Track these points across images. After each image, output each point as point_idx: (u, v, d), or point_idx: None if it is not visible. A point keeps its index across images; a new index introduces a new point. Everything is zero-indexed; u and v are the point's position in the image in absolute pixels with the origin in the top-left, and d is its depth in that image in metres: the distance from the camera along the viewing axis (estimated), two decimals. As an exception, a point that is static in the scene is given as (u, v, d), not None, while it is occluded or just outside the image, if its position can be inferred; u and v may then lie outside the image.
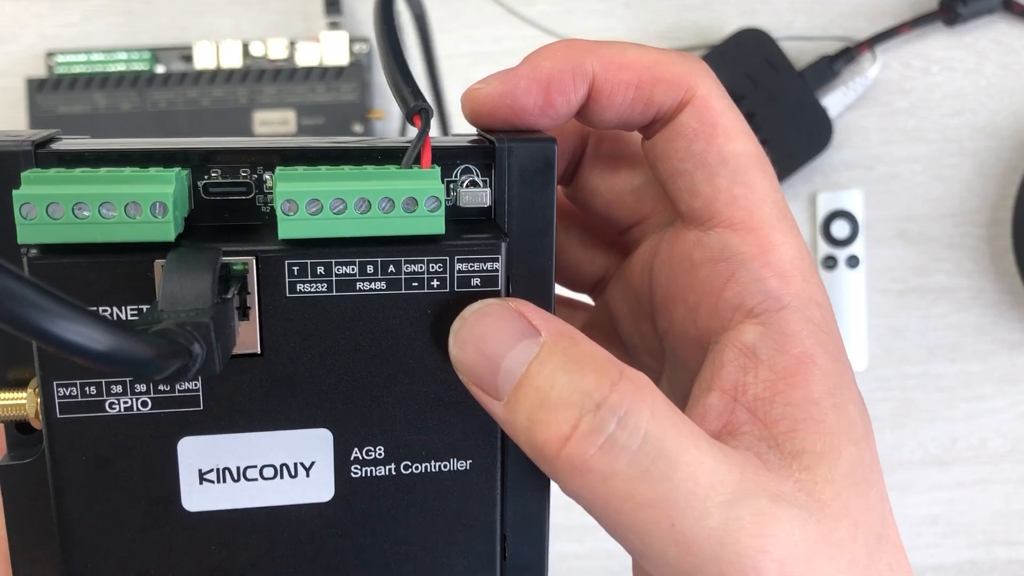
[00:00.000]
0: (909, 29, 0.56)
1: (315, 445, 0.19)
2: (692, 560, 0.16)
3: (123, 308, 0.17)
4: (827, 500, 0.17)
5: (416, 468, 0.20)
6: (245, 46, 0.56)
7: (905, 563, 0.20)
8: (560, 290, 0.23)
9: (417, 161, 0.19)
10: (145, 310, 0.17)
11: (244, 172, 0.19)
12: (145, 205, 0.16)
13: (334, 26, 0.56)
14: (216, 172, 0.18)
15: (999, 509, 0.58)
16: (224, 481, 0.19)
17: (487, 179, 0.20)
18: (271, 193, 0.18)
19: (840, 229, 0.57)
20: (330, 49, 0.55)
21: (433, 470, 0.20)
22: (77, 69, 0.55)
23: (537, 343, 0.18)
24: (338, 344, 0.19)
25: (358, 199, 0.18)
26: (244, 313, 0.18)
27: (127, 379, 0.18)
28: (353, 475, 0.19)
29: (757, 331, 0.18)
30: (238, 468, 0.19)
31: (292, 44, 0.56)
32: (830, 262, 0.57)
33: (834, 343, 0.18)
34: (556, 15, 0.58)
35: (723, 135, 0.19)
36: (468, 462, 0.20)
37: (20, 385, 0.18)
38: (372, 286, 0.18)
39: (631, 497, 0.16)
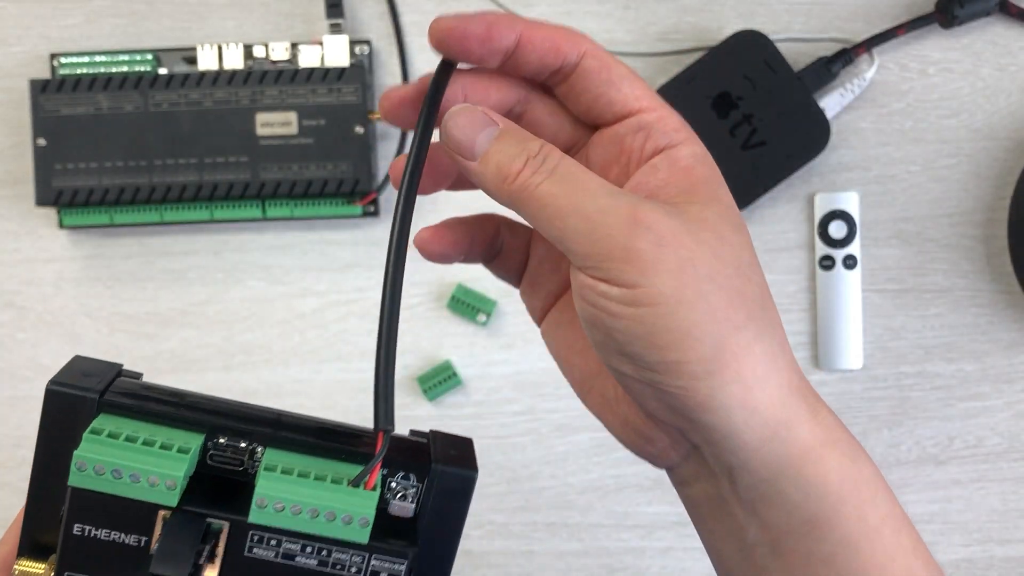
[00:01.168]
0: (906, 31, 0.57)
1: None
2: (592, 228, 0.25)
3: (129, 536, 0.23)
4: (692, 214, 0.26)
5: None
6: (247, 48, 0.56)
7: (767, 290, 0.27)
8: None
9: (366, 477, 0.24)
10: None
11: (243, 443, 0.25)
12: (162, 480, 0.23)
13: (335, 28, 0.56)
14: (223, 439, 0.25)
15: (996, 507, 0.59)
16: None
17: (417, 487, 0.25)
18: (258, 464, 0.24)
19: (837, 230, 0.57)
20: (332, 51, 0.56)
21: None
22: (80, 71, 0.56)
23: (497, 129, 0.27)
24: None
25: (311, 508, 0.23)
26: (211, 557, 0.24)
27: None
28: None
29: (660, 157, 0.27)
30: None
31: (294, 46, 0.56)
32: (827, 262, 0.57)
33: (709, 161, 0.28)
34: (556, 17, 0.58)
35: (614, 64, 0.28)
36: None
37: (43, 555, 0.24)
38: (307, 562, 0.24)
39: (554, 198, 0.26)
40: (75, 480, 0.23)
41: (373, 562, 0.24)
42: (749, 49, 0.56)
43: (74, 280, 0.58)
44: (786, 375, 0.26)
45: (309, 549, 0.24)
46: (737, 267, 0.25)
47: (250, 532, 0.24)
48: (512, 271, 0.34)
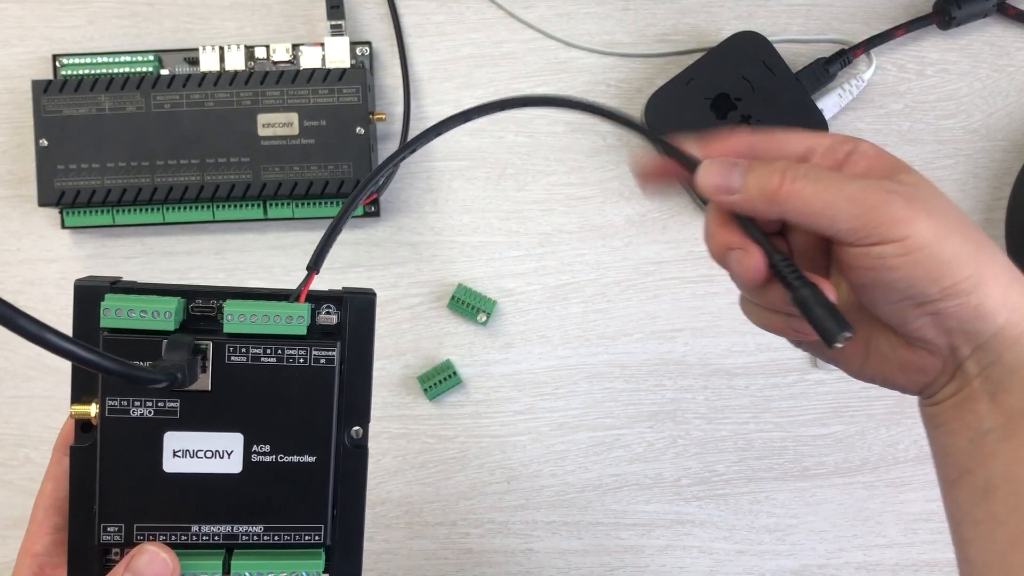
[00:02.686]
0: (904, 32, 0.57)
1: (233, 442, 0.34)
2: (857, 205, 0.31)
3: (144, 360, 0.33)
4: (908, 181, 0.32)
5: (285, 458, 0.34)
6: (249, 49, 0.56)
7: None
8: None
9: (298, 298, 0.34)
10: (155, 363, 0.33)
11: (213, 302, 0.34)
12: (161, 312, 0.33)
13: (336, 30, 0.56)
14: (198, 302, 0.34)
15: (993, 506, 0.59)
16: (186, 457, 0.34)
17: (339, 312, 0.35)
18: (223, 312, 0.34)
19: (836, 230, 0.58)
20: (333, 52, 0.56)
21: (295, 460, 0.34)
22: (83, 71, 0.56)
23: (744, 164, 0.33)
24: (250, 388, 0.34)
25: (264, 315, 0.33)
26: (204, 368, 0.34)
27: (143, 398, 0.33)
28: (252, 460, 0.34)
29: (855, 156, 0.34)
30: (194, 450, 0.34)
31: (295, 47, 0.56)
32: (826, 262, 0.58)
33: (879, 148, 0.33)
34: (555, 18, 0.58)
35: (782, 131, 0.35)
36: (314, 458, 0.34)
37: (88, 402, 0.34)
38: (269, 359, 0.34)
39: (816, 192, 0.31)
40: (105, 322, 0.33)
41: (314, 352, 0.34)
42: (748, 50, 0.56)
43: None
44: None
45: (268, 350, 0.34)
46: (957, 210, 0.32)
47: (226, 344, 0.33)
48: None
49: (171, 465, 0.34)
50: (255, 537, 0.34)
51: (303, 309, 0.34)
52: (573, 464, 0.59)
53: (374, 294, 0.35)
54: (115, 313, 0.33)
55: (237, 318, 0.33)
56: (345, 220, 0.35)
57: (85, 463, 0.34)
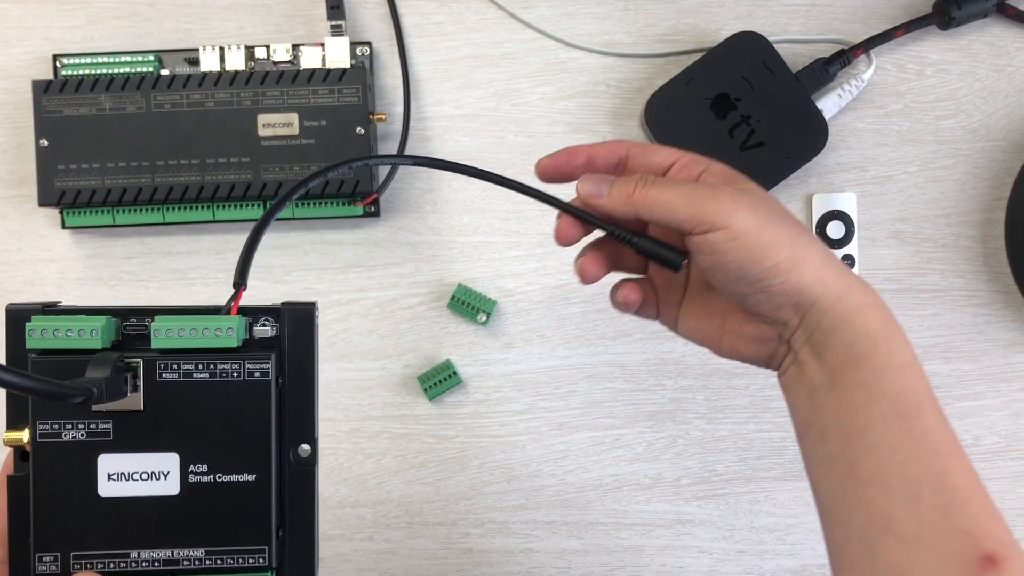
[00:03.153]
0: (904, 32, 0.57)
1: (169, 462, 0.33)
2: (690, 200, 0.37)
3: (71, 379, 0.31)
4: (742, 187, 0.39)
5: (224, 478, 0.33)
6: (249, 49, 0.56)
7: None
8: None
9: (230, 307, 0.34)
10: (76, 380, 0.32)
11: (145, 320, 0.34)
12: (88, 330, 0.32)
13: (337, 30, 0.56)
14: (132, 320, 0.34)
15: (992, 506, 0.59)
16: (121, 480, 0.33)
17: (278, 324, 0.34)
18: (151, 334, 0.33)
19: (835, 230, 0.58)
20: (333, 52, 0.56)
21: (234, 479, 0.33)
22: (83, 72, 0.56)
23: (612, 179, 0.40)
24: (183, 405, 0.33)
25: (193, 328, 0.33)
26: (136, 387, 0.33)
27: (74, 420, 0.33)
28: (190, 480, 0.33)
29: (704, 174, 0.41)
30: (129, 472, 0.33)
31: (295, 47, 0.56)
32: (825, 262, 0.58)
33: (734, 171, 0.41)
34: (555, 19, 0.58)
35: (649, 145, 0.43)
36: (254, 476, 0.33)
37: (21, 428, 0.33)
38: (202, 375, 0.33)
39: (660, 193, 0.38)
40: (31, 343, 0.32)
41: (248, 365, 0.33)
42: (747, 50, 0.56)
43: (77, 280, 0.58)
44: (836, 262, 0.38)
45: (200, 365, 0.33)
46: (780, 208, 0.38)
47: (156, 361, 0.33)
48: (651, 308, 0.44)
49: (107, 489, 0.33)
50: (196, 562, 0.33)
51: (233, 321, 0.33)
52: (573, 464, 0.59)
53: (314, 305, 0.35)
54: (40, 333, 0.32)
55: (165, 332, 0.33)
56: (262, 233, 0.35)
57: (22, 492, 0.33)
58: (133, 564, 0.33)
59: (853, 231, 0.58)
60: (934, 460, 0.35)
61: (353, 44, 0.57)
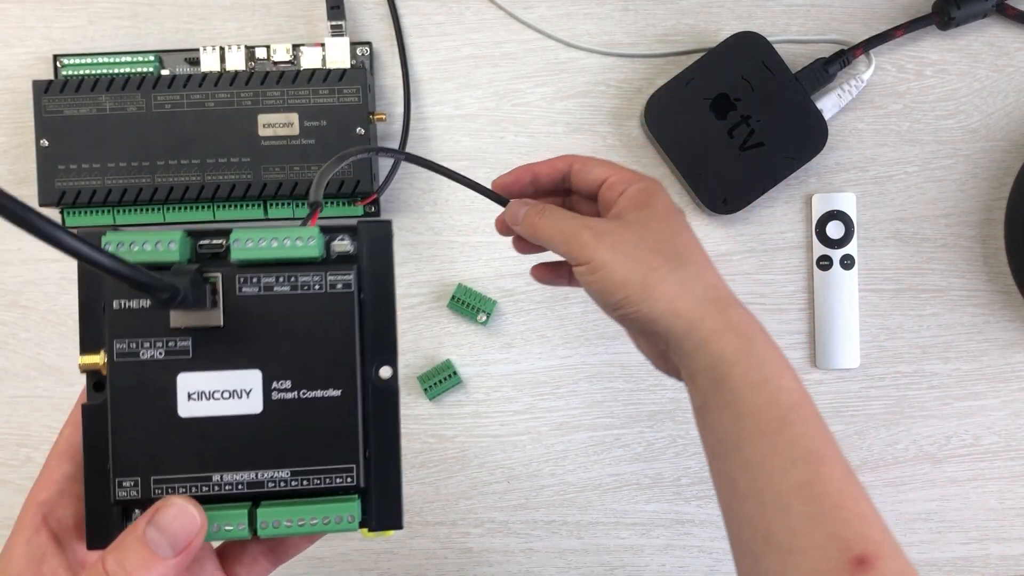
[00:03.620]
0: (903, 32, 0.57)
1: (251, 379, 0.32)
2: (564, 237, 0.40)
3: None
4: (628, 218, 0.41)
5: (308, 394, 0.32)
6: (249, 50, 0.56)
7: (716, 277, 0.41)
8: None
9: (308, 223, 0.34)
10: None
11: (220, 240, 0.33)
12: (165, 243, 0.31)
13: (337, 30, 0.56)
14: (206, 241, 0.33)
15: (992, 506, 0.59)
16: (201, 400, 0.32)
17: (356, 242, 0.33)
18: (230, 239, 0.32)
19: (835, 230, 0.58)
20: (333, 53, 0.56)
21: (319, 395, 0.32)
22: (83, 72, 0.56)
23: (528, 206, 0.43)
24: (264, 320, 0.32)
25: (274, 239, 0.32)
26: (215, 303, 0.32)
27: (152, 338, 0.32)
28: (273, 397, 0.32)
29: (622, 196, 0.42)
30: (210, 391, 0.32)
31: (296, 48, 0.56)
32: (825, 262, 0.58)
33: (652, 187, 0.42)
34: (555, 19, 0.58)
35: (588, 160, 0.44)
36: (339, 391, 0.32)
37: (96, 351, 0.32)
38: (283, 288, 0.32)
39: (545, 226, 0.41)
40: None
41: (329, 277, 0.32)
42: (747, 51, 0.56)
43: (77, 280, 0.58)
44: (700, 292, 0.39)
45: (281, 278, 0.32)
46: (658, 240, 0.40)
47: (236, 275, 0.32)
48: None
49: (187, 409, 0.31)
50: (282, 483, 0.32)
51: (314, 231, 0.32)
52: (573, 464, 0.59)
53: (390, 223, 0.34)
54: (116, 247, 0.31)
55: (245, 243, 0.32)
56: (342, 162, 0.36)
57: (98, 421, 0.32)
58: (216, 487, 0.31)
59: (853, 231, 0.58)
60: (802, 470, 0.36)
61: (353, 44, 0.57)
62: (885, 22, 0.58)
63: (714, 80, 0.56)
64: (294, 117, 0.55)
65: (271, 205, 0.56)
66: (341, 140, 0.55)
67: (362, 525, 0.32)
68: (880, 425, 0.59)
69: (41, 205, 0.55)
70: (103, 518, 0.32)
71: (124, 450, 0.31)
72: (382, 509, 0.33)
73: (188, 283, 0.30)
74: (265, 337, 0.32)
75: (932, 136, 0.59)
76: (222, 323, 0.31)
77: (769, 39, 0.56)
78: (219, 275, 0.32)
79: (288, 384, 0.32)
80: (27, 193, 0.57)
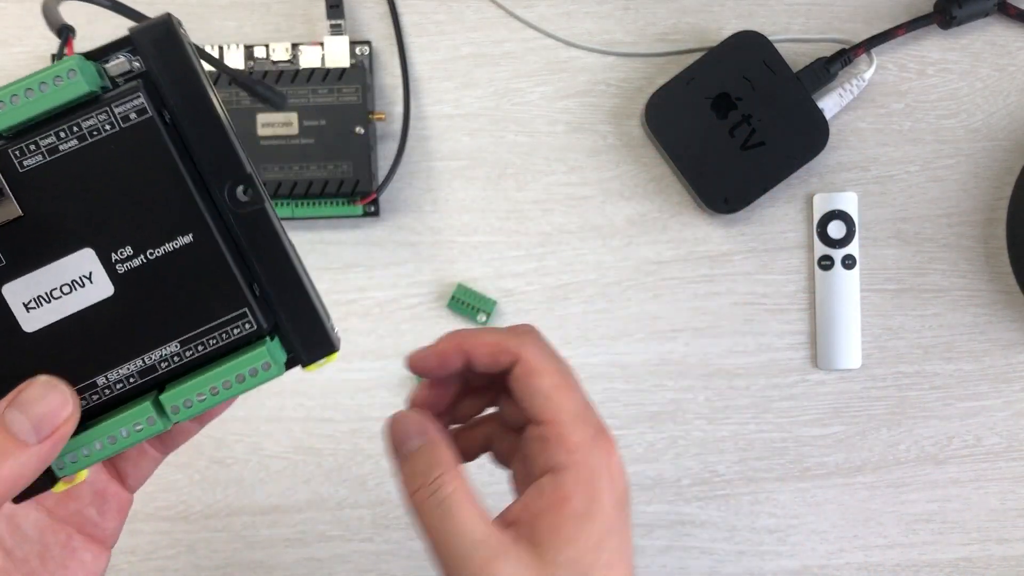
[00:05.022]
0: (905, 31, 0.57)
1: (86, 260, 0.27)
2: (453, 564, 0.30)
3: None
4: (547, 559, 0.31)
5: (156, 252, 0.27)
6: (248, 49, 0.56)
7: None
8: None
9: (63, 55, 0.26)
10: None
11: None
12: None
13: (336, 29, 0.56)
14: None
15: (994, 507, 0.59)
16: (42, 305, 0.27)
17: (138, 56, 0.27)
18: None
19: (836, 230, 0.58)
20: (332, 52, 0.56)
21: (170, 248, 0.27)
22: (82, 71, 0.56)
23: (421, 441, 0.33)
24: (68, 189, 0.27)
25: (27, 88, 0.26)
26: (2, 193, 0.26)
27: None
28: (119, 271, 0.27)
29: (547, 478, 0.32)
30: (47, 293, 0.27)
31: (295, 47, 0.56)
32: (826, 262, 0.58)
33: (593, 488, 0.32)
34: (555, 18, 0.58)
35: (542, 372, 0.33)
36: (190, 235, 0.27)
37: None
38: (70, 145, 0.27)
39: (432, 526, 0.31)
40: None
41: (116, 109, 0.27)
42: (748, 50, 0.56)
43: None
44: None
45: (63, 133, 0.27)
46: None
47: (7, 149, 0.26)
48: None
49: (31, 322, 0.27)
50: (176, 359, 0.28)
51: (72, 61, 0.26)
52: (573, 464, 0.58)
53: (168, 16, 0.28)
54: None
55: None
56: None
57: None
58: (106, 392, 0.28)
59: (854, 231, 0.58)
60: None
61: (352, 43, 0.57)
62: (887, 21, 0.58)
63: (715, 79, 0.56)
64: (293, 117, 0.54)
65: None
66: (340, 140, 0.54)
67: (293, 364, 0.29)
68: (882, 426, 0.58)
69: None
70: None
71: None
72: (306, 338, 0.28)
73: None
74: (78, 208, 0.27)
75: (934, 135, 0.58)
76: (20, 212, 0.27)
77: (770, 38, 0.56)
78: None
79: (129, 250, 0.27)
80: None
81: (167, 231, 0.27)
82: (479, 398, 0.37)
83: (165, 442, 0.34)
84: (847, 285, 0.58)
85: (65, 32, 0.29)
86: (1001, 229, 0.58)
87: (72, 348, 0.27)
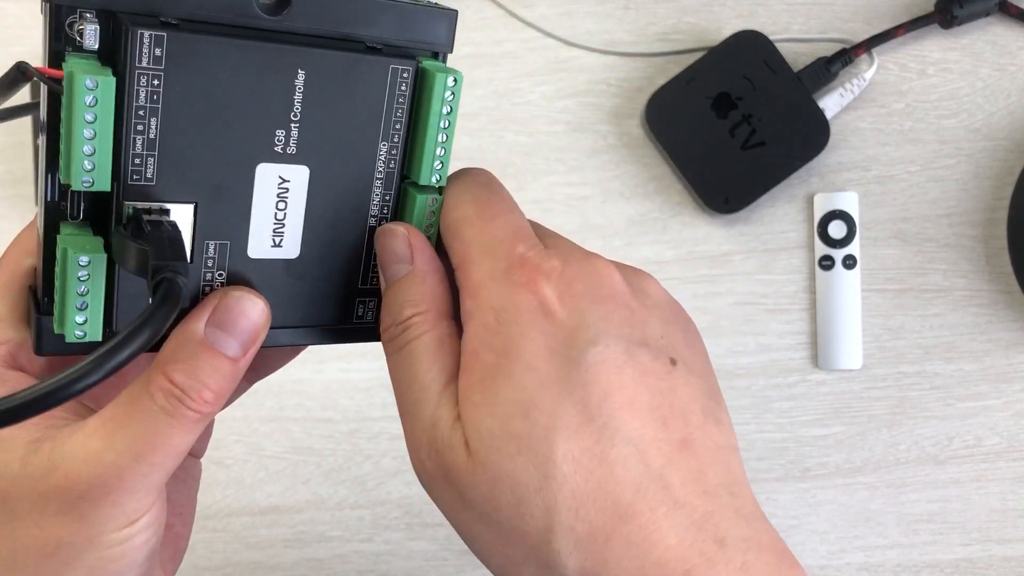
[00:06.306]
0: (905, 31, 0.57)
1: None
2: (409, 421, 0.27)
3: None
4: (471, 429, 0.26)
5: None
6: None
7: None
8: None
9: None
10: None
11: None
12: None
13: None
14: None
15: (995, 507, 0.59)
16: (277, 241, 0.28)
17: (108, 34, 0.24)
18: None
19: (837, 229, 0.58)
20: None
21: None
22: (81, 71, 0.56)
23: (405, 269, 0.28)
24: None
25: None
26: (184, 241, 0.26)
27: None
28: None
29: (464, 334, 0.27)
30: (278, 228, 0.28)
31: (294, 46, 0.56)
32: (827, 262, 0.57)
33: (503, 338, 0.26)
34: (555, 18, 0.58)
35: (445, 212, 0.30)
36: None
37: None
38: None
39: (395, 372, 0.28)
40: None
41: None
42: (749, 49, 0.56)
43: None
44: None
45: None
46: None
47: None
48: None
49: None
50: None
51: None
52: (573, 465, 0.58)
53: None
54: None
55: None
56: None
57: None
58: None
59: (855, 231, 0.58)
60: None
61: (352, 43, 0.57)
62: (887, 21, 0.58)
63: (715, 79, 0.56)
64: (293, 116, 0.54)
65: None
66: (340, 139, 0.54)
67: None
68: (882, 426, 0.58)
69: (39, 204, 0.55)
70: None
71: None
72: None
73: (164, 264, 0.23)
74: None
75: (934, 135, 0.58)
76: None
77: (771, 38, 0.56)
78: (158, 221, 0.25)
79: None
80: (25, 193, 0.57)
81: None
82: None
83: (257, 369, 0.31)
84: (848, 285, 0.58)
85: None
86: (1002, 229, 0.58)
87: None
